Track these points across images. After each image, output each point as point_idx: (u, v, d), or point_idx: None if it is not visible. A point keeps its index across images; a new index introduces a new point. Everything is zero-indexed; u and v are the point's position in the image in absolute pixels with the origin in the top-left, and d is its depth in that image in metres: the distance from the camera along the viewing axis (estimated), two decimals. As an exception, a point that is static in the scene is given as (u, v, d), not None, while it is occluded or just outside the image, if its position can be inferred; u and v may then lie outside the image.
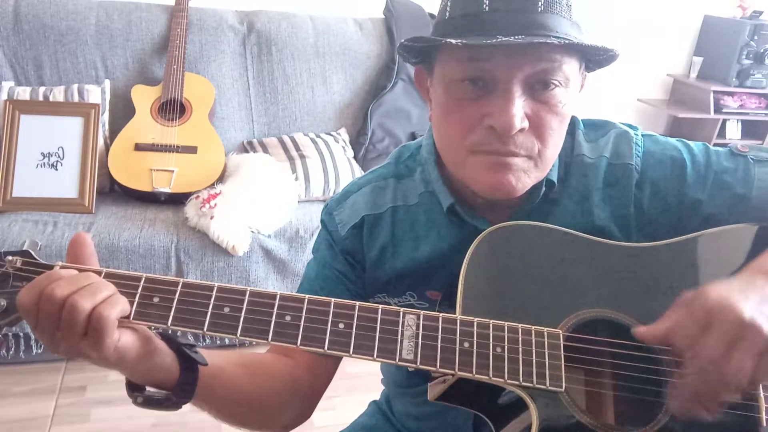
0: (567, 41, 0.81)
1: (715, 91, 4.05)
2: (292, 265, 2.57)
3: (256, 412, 0.97)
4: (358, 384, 2.05)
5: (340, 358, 1.02)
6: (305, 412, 1.02)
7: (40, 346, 2.44)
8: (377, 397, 1.28)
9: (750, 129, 4.27)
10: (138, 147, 2.66)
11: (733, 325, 0.72)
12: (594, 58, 0.90)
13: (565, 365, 0.83)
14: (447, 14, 0.88)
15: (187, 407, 0.84)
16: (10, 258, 0.79)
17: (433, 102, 0.95)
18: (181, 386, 0.82)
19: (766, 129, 4.25)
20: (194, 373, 0.83)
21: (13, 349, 2.42)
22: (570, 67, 0.86)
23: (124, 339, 0.75)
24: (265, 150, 2.94)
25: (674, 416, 0.83)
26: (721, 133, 4.18)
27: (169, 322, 0.77)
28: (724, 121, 4.16)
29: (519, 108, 0.83)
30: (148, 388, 0.82)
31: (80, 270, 0.78)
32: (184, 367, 0.82)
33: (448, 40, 0.82)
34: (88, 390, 2.39)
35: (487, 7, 0.83)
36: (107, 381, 2.41)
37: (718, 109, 4.07)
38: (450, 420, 1.04)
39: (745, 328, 0.72)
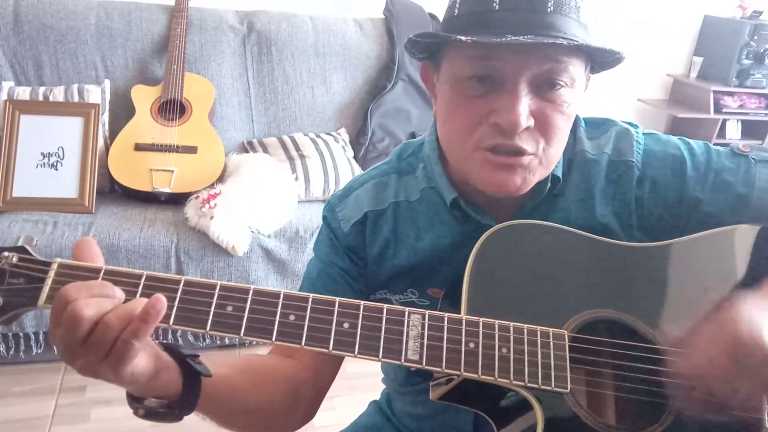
0: (575, 43, 0.81)
1: (715, 91, 4.05)
2: (292, 265, 2.56)
3: (259, 419, 0.96)
4: (358, 384, 2.05)
5: (342, 359, 1.02)
6: (309, 414, 1.02)
7: (40, 346, 2.44)
8: (377, 397, 1.28)
9: (750, 129, 4.26)
10: (138, 147, 2.66)
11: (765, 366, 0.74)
12: (600, 60, 0.90)
13: (570, 366, 0.82)
14: (456, 11, 0.88)
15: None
16: (6, 254, 0.77)
17: (438, 98, 0.95)
18: (183, 399, 0.81)
19: (766, 129, 4.25)
20: (197, 385, 0.81)
21: (13, 349, 2.42)
22: (576, 68, 0.86)
23: (140, 364, 0.74)
24: (265, 150, 2.94)
25: (678, 417, 0.83)
26: (721, 133, 4.17)
27: (171, 321, 0.76)
28: (724, 121, 4.16)
29: (525, 106, 0.84)
30: (147, 400, 0.80)
31: (81, 267, 0.77)
32: (188, 380, 0.81)
33: (458, 36, 0.82)
34: (88, 390, 2.38)
35: (497, 6, 0.83)
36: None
37: (718, 109, 4.07)
38: (451, 419, 1.03)
39: None
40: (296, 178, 2.78)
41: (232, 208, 2.45)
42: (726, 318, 0.80)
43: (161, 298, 0.71)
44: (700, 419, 0.81)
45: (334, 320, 0.79)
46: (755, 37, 3.98)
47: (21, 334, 2.40)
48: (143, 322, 0.70)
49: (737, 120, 4.21)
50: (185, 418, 0.82)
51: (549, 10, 0.83)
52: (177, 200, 2.58)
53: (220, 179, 2.68)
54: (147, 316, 0.70)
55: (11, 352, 2.42)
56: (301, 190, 2.77)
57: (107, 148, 2.67)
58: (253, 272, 2.50)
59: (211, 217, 2.40)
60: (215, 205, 2.42)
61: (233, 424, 0.93)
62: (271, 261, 2.54)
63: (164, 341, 0.81)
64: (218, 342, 2.63)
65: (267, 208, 2.55)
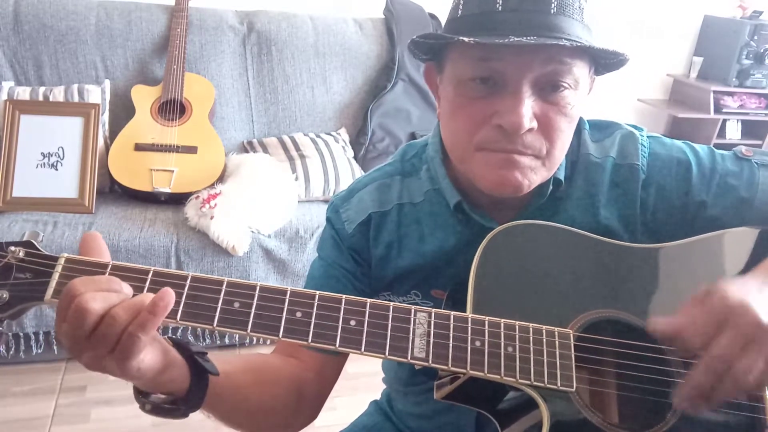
0: (578, 44, 0.81)
1: (715, 91, 4.05)
2: (292, 265, 2.56)
3: (263, 418, 0.96)
4: (358, 384, 2.04)
5: (345, 359, 1.02)
6: (311, 414, 1.02)
7: (40, 346, 2.44)
8: (377, 397, 1.28)
9: (750, 129, 4.27)
10: (138, 147, 2.66)
11: (750, 326, 0.72)
12: (603, 61, 0.90)
13: (575, 365, 0.82)
14: (459, 12, 0.88)
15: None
16: (12, 248, 0.76)
17: (441, 99, 0.94)
18: (190, 396, 0.80)
19: (766, 129, 4.25)
20: (204, 383, 0.81)
21: (13, 349, 2.42)
22: (580, 69, 0.86)
23: (147, 359, 0.74)
24: (265, 150, 2.94)
25: (683, 417, 0.83)
26: (721, 133, 4.18)
27: (179, 317, 0.75)
28: (724, 121, 4.16)
29: (528, 108, 0.83)
30: (154, 395, 0.80)
31: (88, 262, 0.77)
32: (195, 377, 0.81)
33: (461, 38, 0.81)
34: (88, 390, 2.39)
35: (500, 7, 0.83)
36: (107, 381, 2.40)
37: (718, 109, 4.07)
38: (452, 418, 1.03)
39: (762, 330, 0.72)
40: (296, 178, 2.78)
41: (232, 208, 2.45)
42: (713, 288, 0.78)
43: (170, 291, 0.71)
44: (702, 417, 0.81)
45: (341, 317, 0.79)
46: (755, 37, 3.99)
47: (21, 334, 2.40)
48: (151, 314, 0.70)
49: (737, 120, 4.22)
50: (190, 415, 0.82)
51: (552, 11, 0.82)
52: (177, 200, 2.57)
53: (220, 179, 2.68)
54: (155, 308, 0.70)
55: (11, 352, 2.42)
56: (301, 190, 2.77)
57: (107, 148, 2.67)
58: (253, 272, 2.50)
59: (211, 217, 2.40)
60: (215, 205, 2.42)
61: (237, 422, 0.93)
62: (271, 261, 2.53)
63: (173, 337, 0.81)
64: (218, 342, 2.63)
65: (267, 208, 2.55)
